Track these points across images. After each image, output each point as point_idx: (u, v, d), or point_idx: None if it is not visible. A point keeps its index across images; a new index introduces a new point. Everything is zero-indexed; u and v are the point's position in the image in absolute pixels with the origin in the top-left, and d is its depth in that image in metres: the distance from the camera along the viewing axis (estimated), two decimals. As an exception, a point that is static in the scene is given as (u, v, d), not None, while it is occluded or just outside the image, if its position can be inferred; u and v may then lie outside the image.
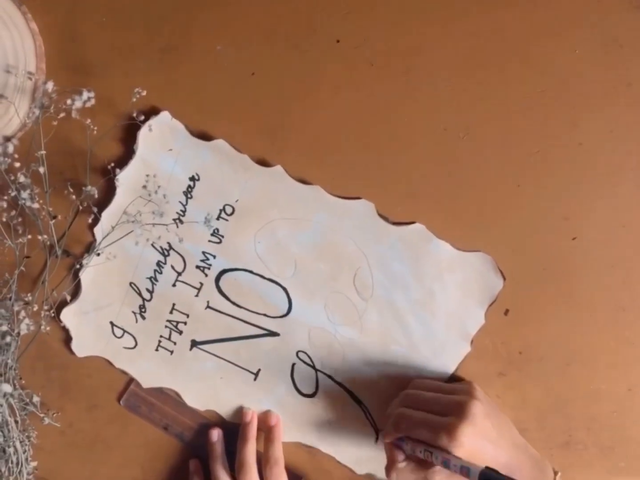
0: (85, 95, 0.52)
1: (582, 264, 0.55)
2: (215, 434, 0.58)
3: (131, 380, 0.58)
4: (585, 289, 0.55)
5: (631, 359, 0.55)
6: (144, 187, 0.54)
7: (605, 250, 0.54)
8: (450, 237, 0.55)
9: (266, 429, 0.57)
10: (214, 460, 0.57)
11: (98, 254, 0.55)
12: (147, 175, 0.54)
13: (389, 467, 0.51)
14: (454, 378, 0.56)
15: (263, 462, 0.56)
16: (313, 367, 0.57)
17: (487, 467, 0.44)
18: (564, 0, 0.52)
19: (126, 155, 0.55)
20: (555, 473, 0.52)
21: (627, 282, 0.55)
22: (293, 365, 0.57)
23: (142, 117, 0.53)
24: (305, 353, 0.56)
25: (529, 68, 0.53)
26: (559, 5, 0.52)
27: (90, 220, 0.55)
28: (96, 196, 0.53)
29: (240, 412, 0.58)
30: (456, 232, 0.55)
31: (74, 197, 0.54)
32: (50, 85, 0.52)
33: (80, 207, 0.54)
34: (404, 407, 0.51)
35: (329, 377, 0.57)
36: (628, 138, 0.53)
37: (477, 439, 0.47)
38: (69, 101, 0.52)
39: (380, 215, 0.55)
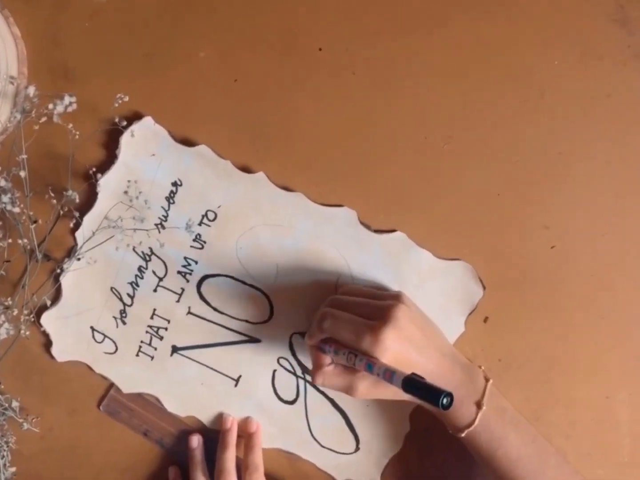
0: (67, 99, 0.51)
1: (562, 273, 0.55)
2: (195, 440, 0.57)
3: (111, 385, 0.58)
4: (564, 297, 0.55)
5: (609, 367, 0.56)
6: (125, 192, 0.54)
7: (585, 259, 0.55)
8: (431, 245, 0.55)
9: (246, 436, 0.57)
10: (194, 467, 0.57)
11: (78, 259, 0.55)
12: (129, 181, 0.54)
13: (315, 371, 0.50)
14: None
15: (242, 468, 0.56)
16: (294, 373, 0.57)
17: (412, 373, 0.43)
18: (545, 12, 0.53)
19: (109, 160, 0.55)
20: (487, 380, 0.50)
21: (606, 290, 0.55)
22: (274, 371, 0.57)
23: (125, 123, 0.53)
24: (287, 359, 0.56)
25: (509, 78, 0.53)
26: (540, 17, 0.53)
27: (71, 225, 0.55)
28: (77, 201, 0.53)
29: (220, 418, 0.58)
30: (437, 241, 0.55)
31: (54, 201, 0.54)
32: (32, 90, 0.51)
33: (61, 212, 0.54)
34: (330, 307, 0.50)
35: (310, 383, 0.57)
36: (607, 148, 0.54)
37: (402, 343, 0.46)
38: (50, 105, 0.51)
39: (362, 223, 0.55)
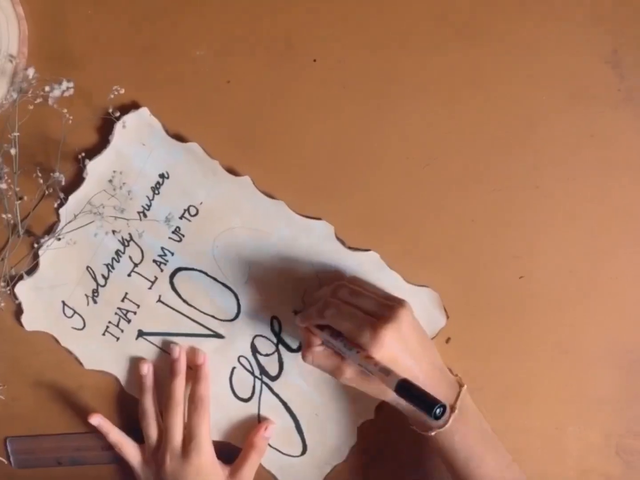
0: (65, 85, 0.52)
1: (527, 303, 0.56)
2: (145, 368, 0.58)
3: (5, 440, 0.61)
4: (527, 327, 0.56)
5: (563, 400, 0.57)
6: (110, 181, 0.55)
7: (551, 293, 0.56)
8: (402, 268, 0.56)
9: (194, 368, 0.58)
10: (143, 393, 0.58)
11: (59, 239, 0.56)
12: (114, 171, 0.55)
13: (306, 349, 0.51)
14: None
15: (188, 400, 0.57)
16: (252, 373, 0.58)
17: (405, 379, 0.44)
18: (540, 47, 0.53)
19: (100, 145, 0.56)
20: (461, 386, 0.52)
21: (569, 325, 0.56)
22: (233, 368, 0.58)
23: (118, 114, 0.54)
24: (247, 359, 0.58)
25: (497, 107, 0.54)
26: (535, 51, 0.53)
27: (55, 205, 0.56)
28: (63, 183, 0.54)
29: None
30: (408, 263, 0.56)
31: (41, 181, 0.54)
32: (31, 72, 0.52)
33: (47, 192, 0.55)
34: (334, 297, 0.51)
35: (266, 385, 0.58)
36: (585, 186, 0.55)
37: (399, 345, 0.47)
38: (47, 88, 0.52)
39: (338, 239, 0.56)
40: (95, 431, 0.59)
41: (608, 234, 0.55)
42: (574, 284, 0.56)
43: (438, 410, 0.43)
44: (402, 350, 0.48)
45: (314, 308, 0.51)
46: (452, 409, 0.50)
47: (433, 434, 0.50)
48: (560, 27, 0.53)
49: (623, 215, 0.55)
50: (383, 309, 0.49)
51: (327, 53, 0.54)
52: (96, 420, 0.58)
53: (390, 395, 0.49)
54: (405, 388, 0.44)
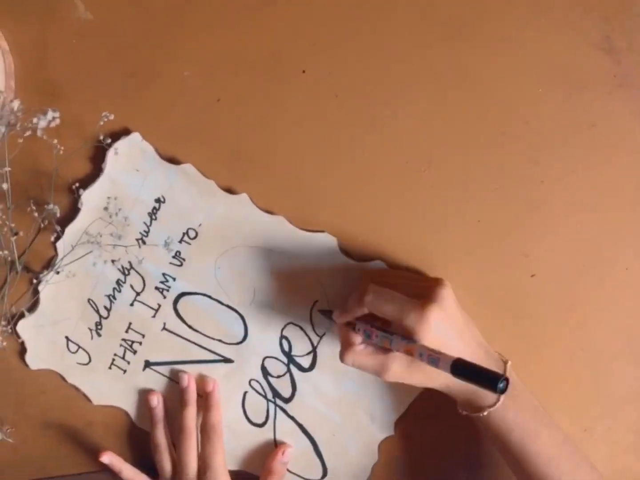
0: (50, 114, 0.51)
1: (541, 302, 0.55)
2: (155, 399, 0.57)
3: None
4: (542, 327, 0.55)
5: (588, 400, 0.56)
6: (105, 209, 0.54)
7: (564, 289, 0.55)
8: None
9: (204, 396, 0.56)
10: (155, 425, 0.56)
11: (58, 272, 0.55)
12: (109, 198, 0.54)
13: (345, 350, 0.48)
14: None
15: (200, 430, 0.56)
16: (265, 396, 0.57)
17: (459, 359, 0.42)
18: (530, 40, 0.53)
19: (94, 173, 0.55)
20: (505, 362, 0.50)
21: (585, 321, 0.55)
22: (245, 393, 0.57)
23: (109, 140, 0.53)
24: (258, 382, 0.56)
25: (493, 105, 0.53)
26: (525, 45, 0.53)
27: (52, 239, 0.55)
28: (58, 215, 0.53)
29: None
30: (416, 271, 0.54)
31: (36, 214, 0.54)
32: (16, 104, 0.52)
33: (42, 225, 0.54)
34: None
35: (280, 408, 0.57)
36: (590, 178, 0.54)
37: (445, 324, 0.46)
38: (34, 120, 0.52)
39: (342, 250, 0.54)
40: (108, 469, 0.57)
41: (616, 223, 0.54)
42: (587, 278, 0.54)
43: (502, 384, 0.41)
44: (448, 329, 0.46)
45: (351, 298, 0.49)
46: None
47: (485, 414, 0.48)
48: (549, 18, 0.53)
49: (629, 202, 0.53)
50: (424, 290, 0.47)
51: (317, 63, 0.54)
52: (107, 458, 0.57)
53: (439, 381, 0.47)
54: (461, 367, 0.42)
